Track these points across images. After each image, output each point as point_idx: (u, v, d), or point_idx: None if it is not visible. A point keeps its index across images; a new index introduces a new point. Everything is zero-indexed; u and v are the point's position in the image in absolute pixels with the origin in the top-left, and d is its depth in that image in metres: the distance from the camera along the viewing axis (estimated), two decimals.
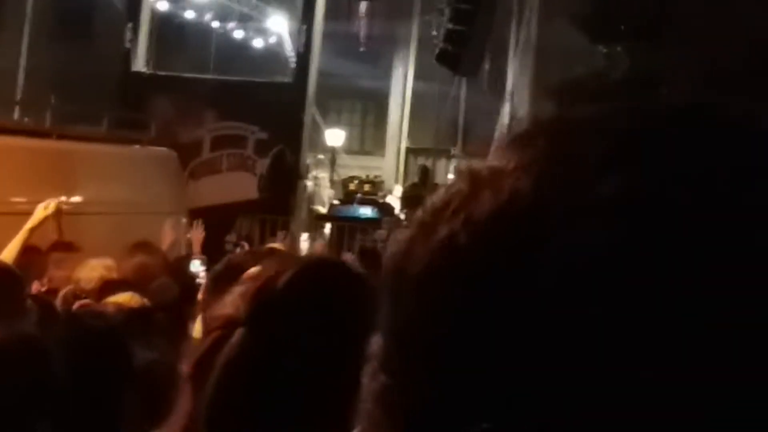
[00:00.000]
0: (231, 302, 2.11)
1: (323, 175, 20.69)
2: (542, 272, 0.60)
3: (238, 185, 17.42)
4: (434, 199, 0.68)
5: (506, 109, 23.64)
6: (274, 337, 2.00)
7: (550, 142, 0.66)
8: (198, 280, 7.00)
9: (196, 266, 7.88)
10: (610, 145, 0.63)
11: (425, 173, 21.49)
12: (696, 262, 0.58)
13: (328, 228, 19.03)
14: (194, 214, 12.76)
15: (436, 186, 21.47)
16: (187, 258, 8.55)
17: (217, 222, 13.97)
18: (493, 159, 0.67)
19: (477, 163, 0.68)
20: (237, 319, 2.05)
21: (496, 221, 0.63)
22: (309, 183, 19.68)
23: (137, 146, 13.08)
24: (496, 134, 23.16)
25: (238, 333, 2.02)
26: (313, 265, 2.11)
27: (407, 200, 20.31)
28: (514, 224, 0.62)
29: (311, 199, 19.68)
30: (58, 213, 6.89)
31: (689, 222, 0.59)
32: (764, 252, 0.58)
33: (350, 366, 1.94)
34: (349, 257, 9.04)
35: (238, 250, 8.76)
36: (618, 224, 0.59)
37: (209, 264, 7.95)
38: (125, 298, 5.39)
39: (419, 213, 0.68)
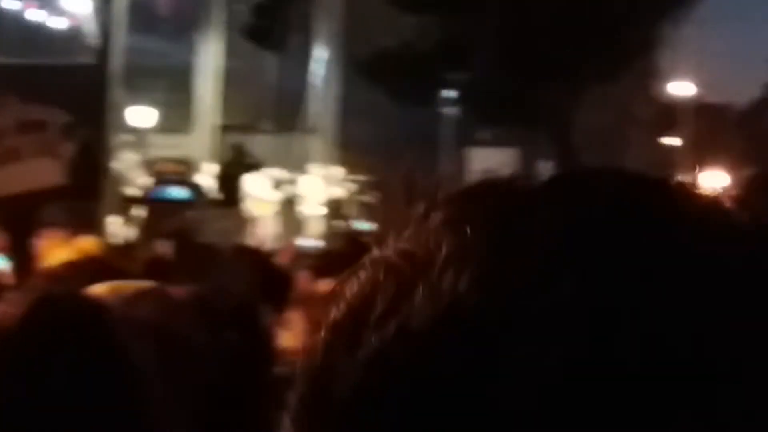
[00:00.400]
0: None
1: (132, 156, 20.33)
2: (497, 392, 0.52)
3: (43, 172, 16.95)
4: (348, 294, 0.58)
5: (316, 81, 23.68)
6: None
7: (484, 229, 0.56)
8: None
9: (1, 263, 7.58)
10: (554, 245, 0.55)
11: (239, 151, 21.32)
12: (665, 365, 0.52)
13: (137, 211, 18.75)
14: None
15: (250, 165, 21.21)
16: None
17: (22, 212, 13.55)
18: (411, 243, 0.58)
19: (392, 248, 0.58)
20: None
21: (437, 333, 0.53)
22: (117, 165, 19.30)
23: None
24: (309, 108, 23.20)
25: None
26: (40, 309, 1.86)
27: (224, 180, 20.12)
28: (460, 337, 0.53)
29: (120, 181, 19.29)
30: None
31: (649, 328, 0.52)
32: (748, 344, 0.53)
33: (91, 413, 1.69)
34: (162, 246, 8.86)
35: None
36: (577, 335, 0.52)
37: (13, 259, 7.71)
38: None
39: (333, 312, 0.58)
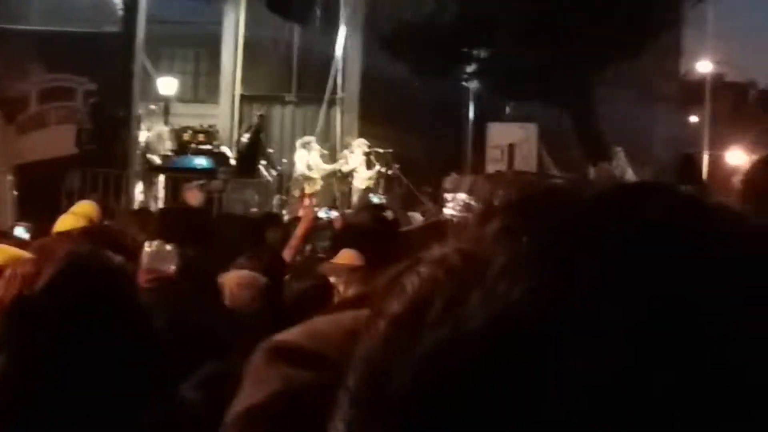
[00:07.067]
0: None
1: (156, 125, 20.39)
2: (539, 402, 0.55)
3: (67, 139, 17.07)
4: (409, 288, 0.62)
5: (339, 54, 23.70)
6: (32, 358, 1.80)
7: (540, 241, 0.59)
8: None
9: (20, 233, 7.62)
10: (606, 264, 0.57)
11: (261, 122, 21.30)
12: (711, 391, 0.54)
13: (161, 179, 18.82)
14: (22, 170, 12.53)
15: (266, 141, 21.02)
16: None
17: (47, 177, 13.70)
18: (471, 244, 0.62)
19: (453, 247, 0.62)
20: None
21: (488, 338, 0.56)
22: (143, 134, 19.37)
23: None
24: (330, 80, 23.23)
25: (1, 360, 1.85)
26: (71, 264, 1.87)
27: (247, 150, 20.12)
28: (509, 343, 0.56)
29: (145, 150, 19.37)
30: None
31: (701, 353, 0.54)
32: None
33: (124, 370, 1.81)
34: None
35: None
36: (625, 355, 0.54)
37: (36, 224, 7.80)
38: None
39: (394, 305, 0.61)
